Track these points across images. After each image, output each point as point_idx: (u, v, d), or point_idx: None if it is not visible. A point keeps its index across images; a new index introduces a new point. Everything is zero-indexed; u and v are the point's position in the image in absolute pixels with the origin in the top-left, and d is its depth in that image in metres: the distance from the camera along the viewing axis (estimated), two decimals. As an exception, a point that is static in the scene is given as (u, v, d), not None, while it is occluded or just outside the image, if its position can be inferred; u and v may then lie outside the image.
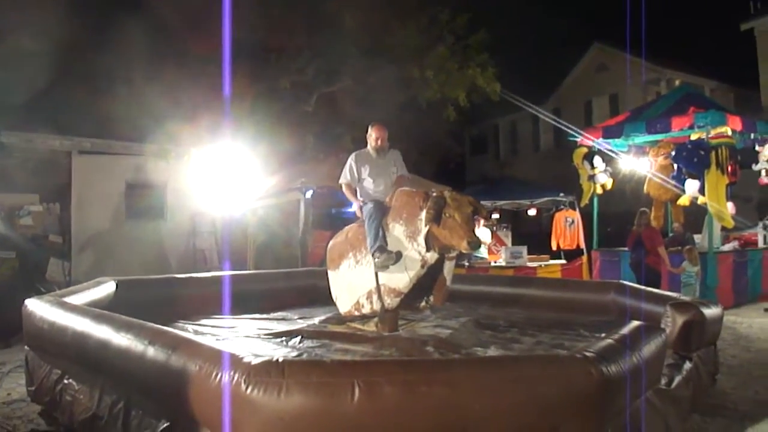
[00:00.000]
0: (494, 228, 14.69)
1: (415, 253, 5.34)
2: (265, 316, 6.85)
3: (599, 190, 13.12)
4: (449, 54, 14.37)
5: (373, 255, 5.46)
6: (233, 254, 12.87)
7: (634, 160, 12.89)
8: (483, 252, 13.04)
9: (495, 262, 12.89)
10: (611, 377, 3.22)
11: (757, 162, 12.53)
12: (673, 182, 11.67)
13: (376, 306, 5.69)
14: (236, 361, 3.16)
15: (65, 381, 4.66)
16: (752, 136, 12.14)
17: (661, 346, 4.14)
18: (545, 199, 15.29)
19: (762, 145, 12.38)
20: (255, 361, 3.13)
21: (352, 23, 13.30)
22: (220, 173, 12.72)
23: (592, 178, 13.03)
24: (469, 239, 4.99)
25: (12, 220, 11.17)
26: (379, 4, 13.21)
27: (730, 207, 11.31)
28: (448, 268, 5.68)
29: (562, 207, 14.96)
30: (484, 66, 14.49)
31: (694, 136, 11.33)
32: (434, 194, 5.22)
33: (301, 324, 6.28)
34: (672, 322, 4.99)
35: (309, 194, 11.50)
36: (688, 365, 4.85)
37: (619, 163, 13.17)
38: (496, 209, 15.70)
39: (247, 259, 12.77)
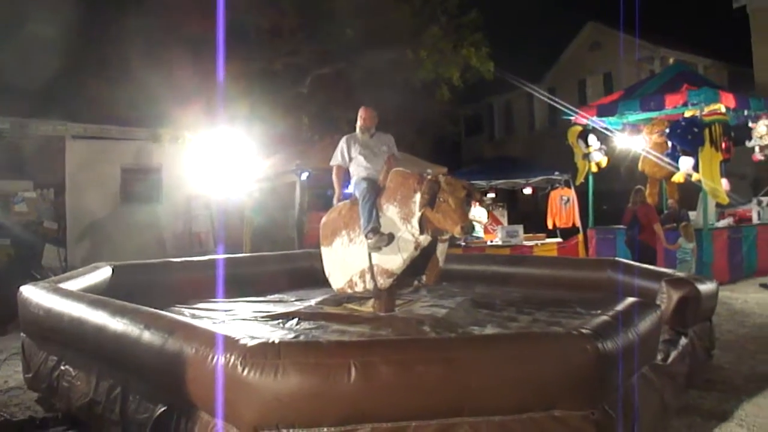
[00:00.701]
0: (490, 207, 14.68)
1: (409, 234, 5.37)
2: (261, 298, 6.84)
3: (594, 169, 13.12)
4: (442, 34, 14.31)
5: (366, 236, 5.49)
6: (229, 237, 12.89)
7: (629, 138, 12.90)
8: (479, 231, 13.03)
9: (491, 242, 12.89)
10: (607, 354, 3.24)
11: (750, 138, 12.56)
12: (668, 159, 11.70)
13: (369, 285, 5.74)
14: (232, 344, 3.15)
15: (62, 367, 4.66)
16: (745, 112, 12.19)
17: (656, 322, 4.16)
18: (541, 177, 15.33)
19: (755, 121, 12.40)
20: (251, 342, 3.12)
21: (345, 4, 13.20)
22: (215, 156, 12.69)
23: (586, 156, 13.02)
24: (462, 224, 5.03)
25: (6, 207, 11.14)
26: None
27: (725, 183, 11.35)
28: (441, 249, 5.72)
29: (557, 185, 14.97)
30: (478, 45, 14.43)
31: (687, 114, 11.37)
32: (429, 178, 5.24)
33: (297, 306, 6.28)
34: (667, 298, 5.00)
35: (305, 176, 11.48)
36: (683, 341, 4.87)
37: (614, 141, 13.18)
38: (492, 188, 15.71)
39: (243, 242, 12.76)
